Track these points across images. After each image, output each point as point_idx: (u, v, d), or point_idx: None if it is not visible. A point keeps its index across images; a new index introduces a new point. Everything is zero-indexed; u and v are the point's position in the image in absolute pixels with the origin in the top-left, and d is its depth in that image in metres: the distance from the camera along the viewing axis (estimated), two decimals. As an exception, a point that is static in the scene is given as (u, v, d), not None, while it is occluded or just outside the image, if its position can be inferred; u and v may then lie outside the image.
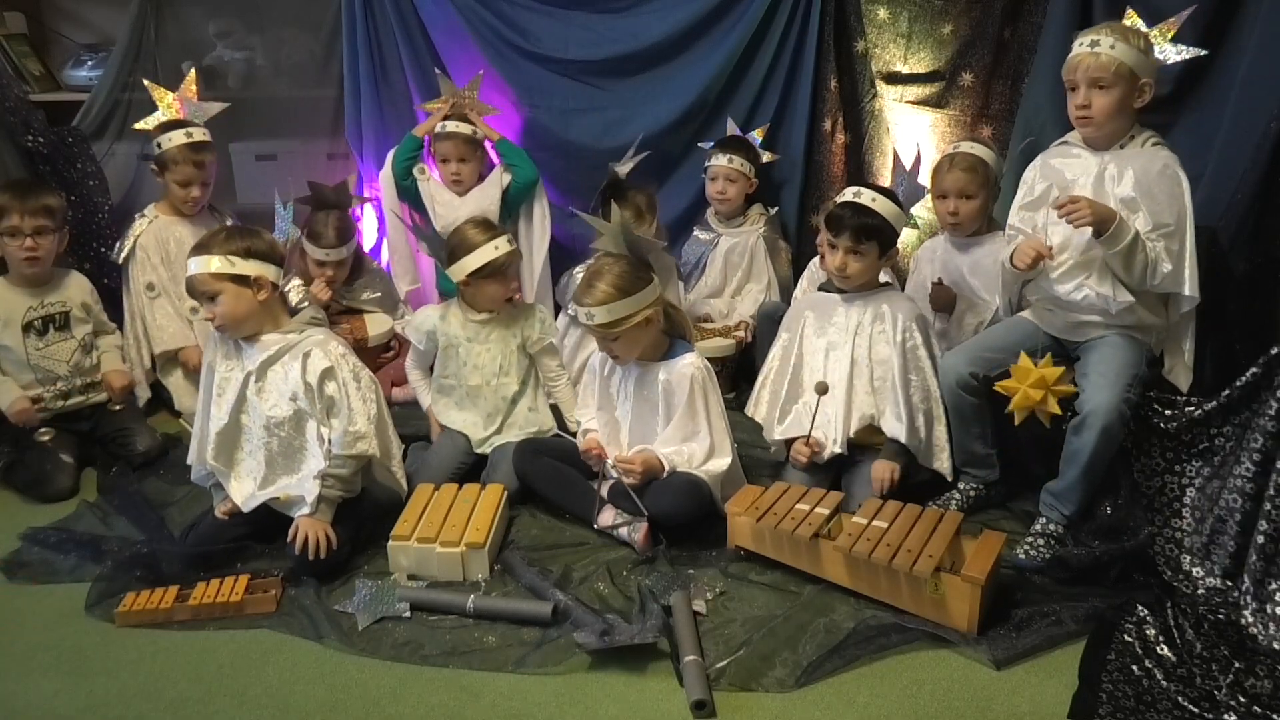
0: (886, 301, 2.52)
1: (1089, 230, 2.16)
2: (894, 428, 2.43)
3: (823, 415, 2.49)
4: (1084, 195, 2.19)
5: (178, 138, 3.03)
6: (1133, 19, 2.27)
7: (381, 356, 3.22)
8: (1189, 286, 2.21)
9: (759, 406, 2.63)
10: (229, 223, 2.98)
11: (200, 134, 3.08)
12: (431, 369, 2.77)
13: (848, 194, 2.52)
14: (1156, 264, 2.17)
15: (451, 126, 3.31)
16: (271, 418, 2.25)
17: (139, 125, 3.20)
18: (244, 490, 2.30)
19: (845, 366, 2.49)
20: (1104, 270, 2.24)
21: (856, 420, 2.48)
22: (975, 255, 2.78)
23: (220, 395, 2.30)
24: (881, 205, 2.46)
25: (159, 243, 3.09)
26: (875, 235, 2.45)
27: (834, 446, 2.48)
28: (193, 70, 3.24)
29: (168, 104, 3.18)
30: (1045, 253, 2.25)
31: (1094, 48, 2.19)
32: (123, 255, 3.08)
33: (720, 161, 3.28)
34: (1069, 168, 2.32)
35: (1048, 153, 2.41)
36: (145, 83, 3.20)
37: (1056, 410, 2.20)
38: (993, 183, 2.78)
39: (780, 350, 2.64)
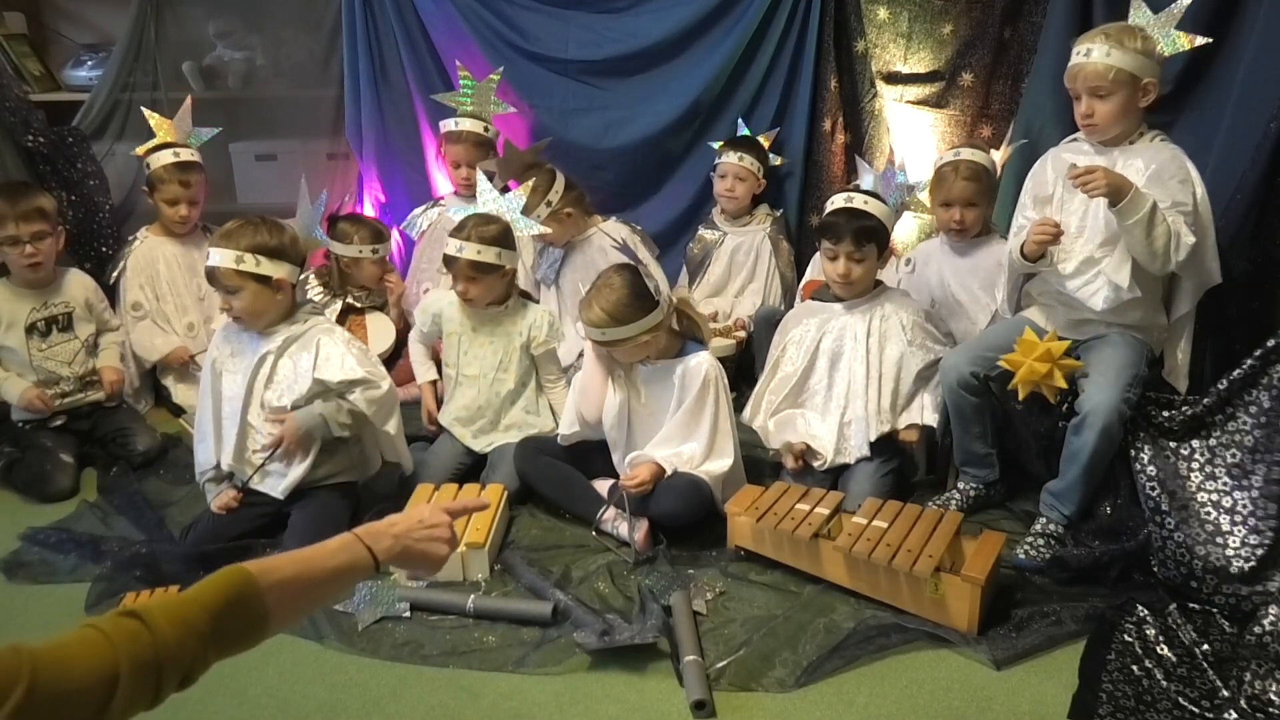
0: (888, 302, 2.53)
1: (1101, 219, 2.14)
2: (929, 416, 2.51)
3: (829, 425, 2.51)
4: (1099, 164, 2.15)
5: (165, 158, 3.08)
6: (1137, 7, 2.25)
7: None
8: (1213, 268, 2.21)
9: (756, 416, 2.62)
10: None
11: (187, 154, 3.12)
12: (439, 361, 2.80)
13: (839, 200, 2.54)
14: (1180, 236, 2.12)
15: (467, 125, 3.31)
16: (281, 408, 2.27)
17: (137, 151, 3.19)
18: (267, 483, 2.32)
19: (860, 377, 2.48)
20: (1120, 261, 2.20)
21: (875, 429, 2.48)
22: (975, 258, 2.78)
23: (229, 395, 2.32)
24: (874, 206, 2.49)
25: (148, 263, 3.14)
26: (874, 237, 2.47)
27: (848, 458, 2.49)
28: (189, 99, 3.24)
29: (165, 131, 3.17)
30: (1056, 230, 2.22)
31: (1089, 56, 2.18)
32: (114, 277, 3.13)
33: (730, 159, 3.28)
34: (1079, 161, 2.30)
35: (1059, 147, 2.40)
36: (145, 111, 3.21)
37: (1063, 384, 2.19)
38: (994, 188, 2.78)
39: (778, 360, 2.62)
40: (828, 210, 2.56)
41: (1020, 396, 2.26)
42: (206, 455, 2.37)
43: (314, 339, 2.31)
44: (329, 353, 2.29)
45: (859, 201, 2.50)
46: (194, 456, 2.43)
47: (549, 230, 2.96)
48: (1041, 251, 2.27)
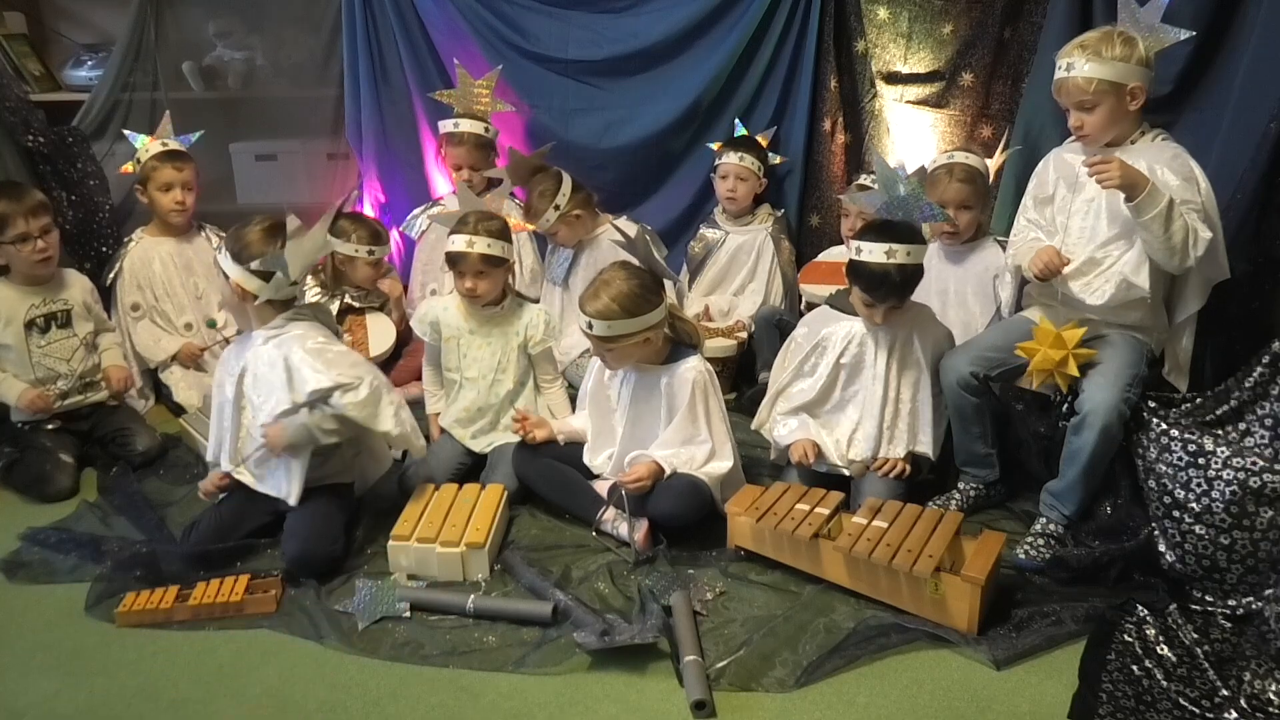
0: (916, 323, 2.48)
1: (1104, 220, 2.13)
2: (925, 447, 2.46)
3: (842, 434, 2.49)
4: (1115, 155, 2.12)
5: (154, 148, 3.11)
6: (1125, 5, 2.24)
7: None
8: (1224, 263, 2.20)
9: (764, 424, 2.59)
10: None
11: (176, 144, 3.13)
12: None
13: (877, 253, 2.28)
14: (1196, 231, 2.10)
15: (465, 125, 3.31)
16: (263, 409, 2.27)
17: (124, 169, 3.19)
18: (268, 483, 2.31)
19: (877, 397, 2.45)
20: (1138, 262, 2.19)
21: (886, 447, 2.46)
22: (968, 264, 2.78)
23: (227, 398, 2.33)
24: (915, 254, 2.31)
25: (143, 263, 3.15)
26: (917, 283, 2.40)
27: (855, 468, 2.48)
28: (166, 114, 3.22)
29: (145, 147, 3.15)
30: (1060, 266, 2.24)
31: (1069, 71, 2.17)
32: (109, 278, 3.12)
33: (731, 160, 3.28)
34: (1082, 160, 2.30)
35: (1062, 148, 2.40)
36: (125, 133, 3.19)
37: (1075, 373, 2.18)
38: (987, 191, 2.78)
39: (799, 367, 2.56)
40: (870, 259, 2.30)
41: (1034, 385, 2.23)
42: (213, 451, 2.39)
43: (284, 349, 2.24)
44: (295, 365, 2.22)
45: (901, 255, 2.27)
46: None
47: (530, 225, 2.98)
48: (1046, 274, 2.27)
